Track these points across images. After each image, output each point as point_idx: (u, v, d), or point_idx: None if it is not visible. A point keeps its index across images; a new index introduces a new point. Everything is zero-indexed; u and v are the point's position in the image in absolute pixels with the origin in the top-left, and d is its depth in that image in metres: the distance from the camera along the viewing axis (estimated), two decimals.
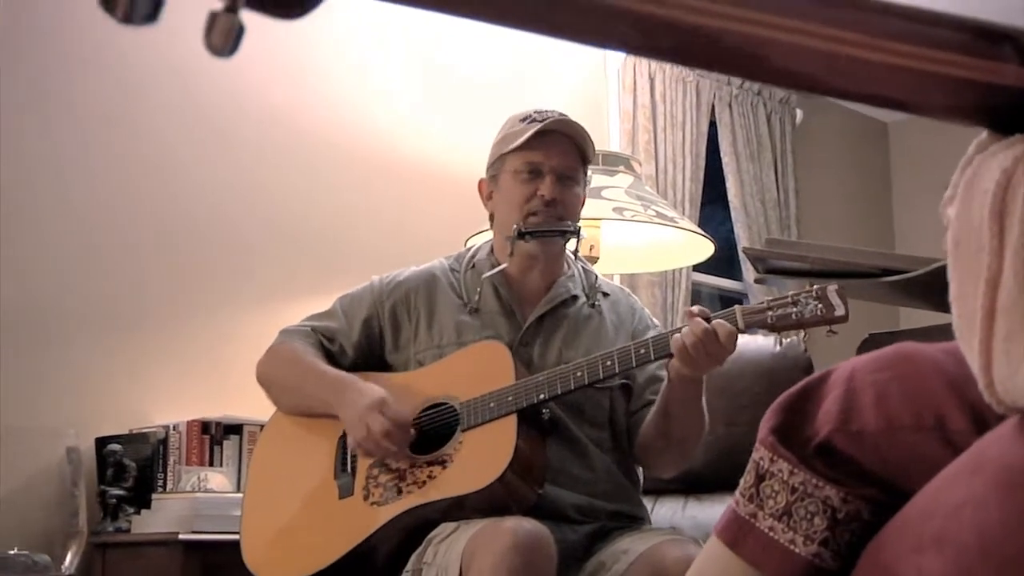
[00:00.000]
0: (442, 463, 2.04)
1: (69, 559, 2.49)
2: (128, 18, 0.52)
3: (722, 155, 4.91)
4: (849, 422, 0.97)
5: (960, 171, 0.79)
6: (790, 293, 1.97)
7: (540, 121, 2.18)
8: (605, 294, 2.29)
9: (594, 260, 3.17)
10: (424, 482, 2.04)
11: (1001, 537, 0.75)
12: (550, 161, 2.17)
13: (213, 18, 0.54)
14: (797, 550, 0.99)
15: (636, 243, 3.51)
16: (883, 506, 0.97)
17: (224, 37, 0.54)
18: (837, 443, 0.98)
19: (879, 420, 0.95)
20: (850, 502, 0.98)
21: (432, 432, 2.10)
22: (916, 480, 0.91)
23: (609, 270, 3.59)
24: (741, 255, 4.82)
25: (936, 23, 0.66)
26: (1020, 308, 0.73)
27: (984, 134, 0.77)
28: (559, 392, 2.02)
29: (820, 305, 1.94)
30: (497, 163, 2.23)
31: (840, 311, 1.93)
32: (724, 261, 4.89)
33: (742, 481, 1.05)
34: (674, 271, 4.38)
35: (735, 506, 1.04)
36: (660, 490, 2.81)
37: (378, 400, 2.06)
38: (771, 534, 1.01)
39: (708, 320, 1.95)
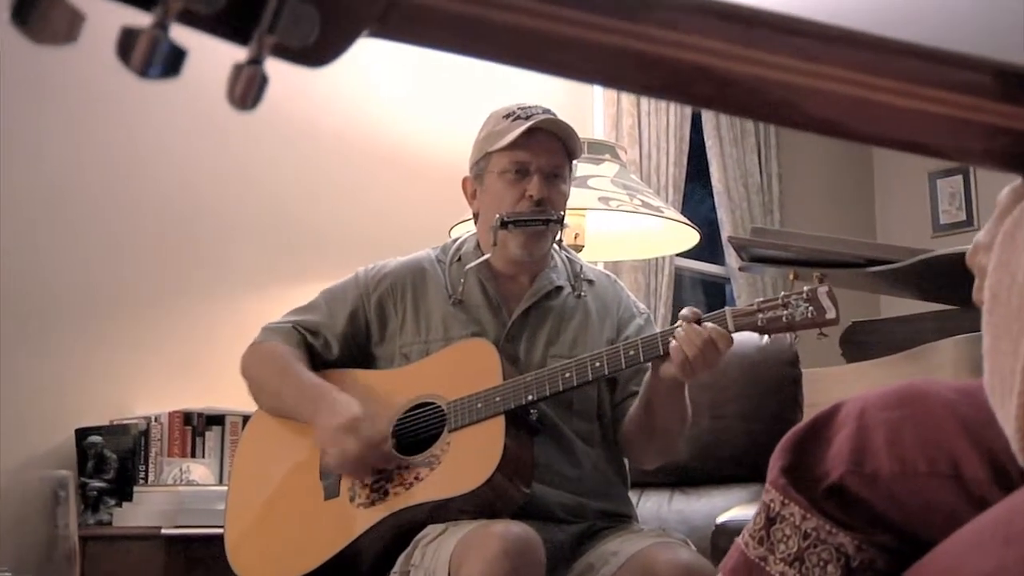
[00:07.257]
0: (429, 464, 2.02)
1: None
2: (144, 71, 0.49)
3: (705, 139, 4.89)
4: (862, 463, 0.93)
5: (997, 219, 0.75)
6: (780, 295, 1.95)
7: (525, 118, 2.14)
8: (590, 281, 2.26)
9: (579, 248, 3.15)
10: (411, 484, 2.01)
11: None
12: (537, 160, 2.13)
13: (238, 71, 0.51)
14: None
15: (621, 231, 3.49)
16: (898, 555, 0.94)
17: (248, 89, 0.51)
18: (850, 485, 0.94)
19: (893, 463, 0.91)
20: (864, 550, 0.95)
21: (419, 432, 2.07)
22: (932, 528, 0.88)
23: (594, 258, 3.57)
24: (724, 240, 4.80)
25: (971, 67, 0.63)
26: None
27: (1020, 180, 0.73)
28: (548, 393, 2.00)
29: (811, 307, 1.92)
30: (482, 162, 2.19)
31: (831, 314, 1.91)
32: (707, 246, 4.86)
33: (751, 522, 1.01)
34: (657, 257, 4.36)
35: (744, 548, 1.01)
36: (646, 483, 2.81)
37: (350, 420, 2.02)
38: None
39: (699, 322, 1.93)
